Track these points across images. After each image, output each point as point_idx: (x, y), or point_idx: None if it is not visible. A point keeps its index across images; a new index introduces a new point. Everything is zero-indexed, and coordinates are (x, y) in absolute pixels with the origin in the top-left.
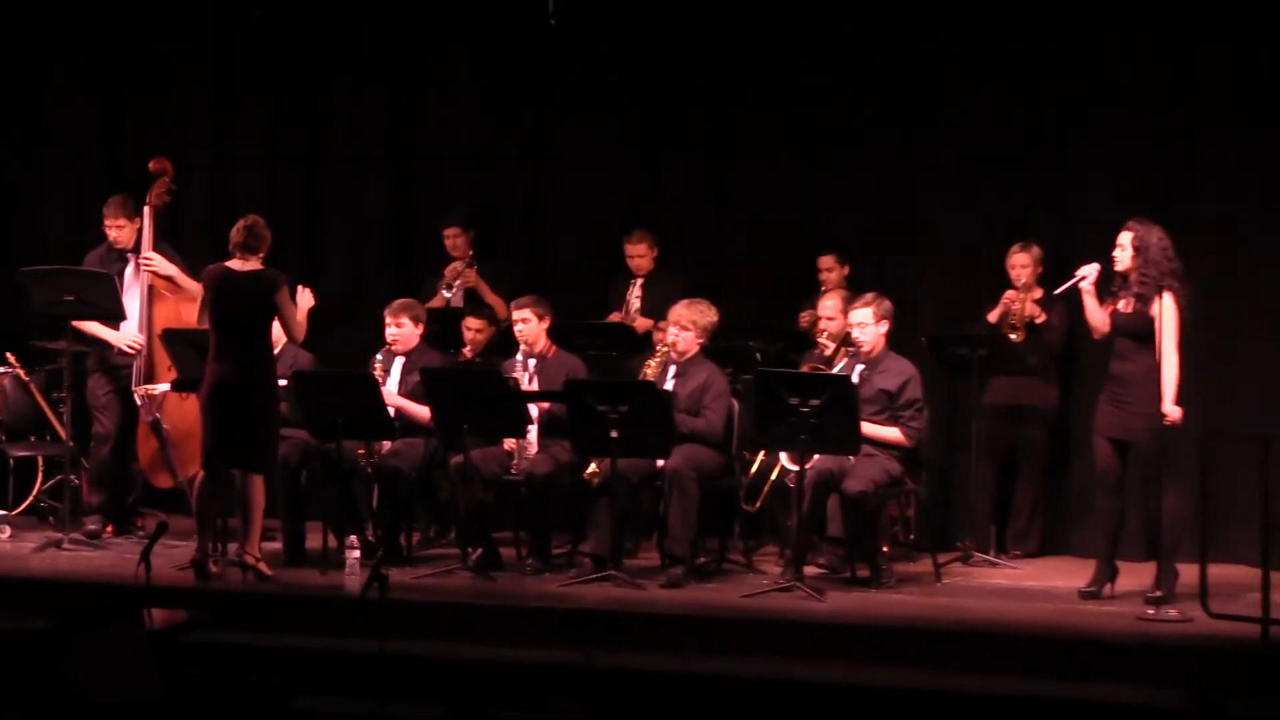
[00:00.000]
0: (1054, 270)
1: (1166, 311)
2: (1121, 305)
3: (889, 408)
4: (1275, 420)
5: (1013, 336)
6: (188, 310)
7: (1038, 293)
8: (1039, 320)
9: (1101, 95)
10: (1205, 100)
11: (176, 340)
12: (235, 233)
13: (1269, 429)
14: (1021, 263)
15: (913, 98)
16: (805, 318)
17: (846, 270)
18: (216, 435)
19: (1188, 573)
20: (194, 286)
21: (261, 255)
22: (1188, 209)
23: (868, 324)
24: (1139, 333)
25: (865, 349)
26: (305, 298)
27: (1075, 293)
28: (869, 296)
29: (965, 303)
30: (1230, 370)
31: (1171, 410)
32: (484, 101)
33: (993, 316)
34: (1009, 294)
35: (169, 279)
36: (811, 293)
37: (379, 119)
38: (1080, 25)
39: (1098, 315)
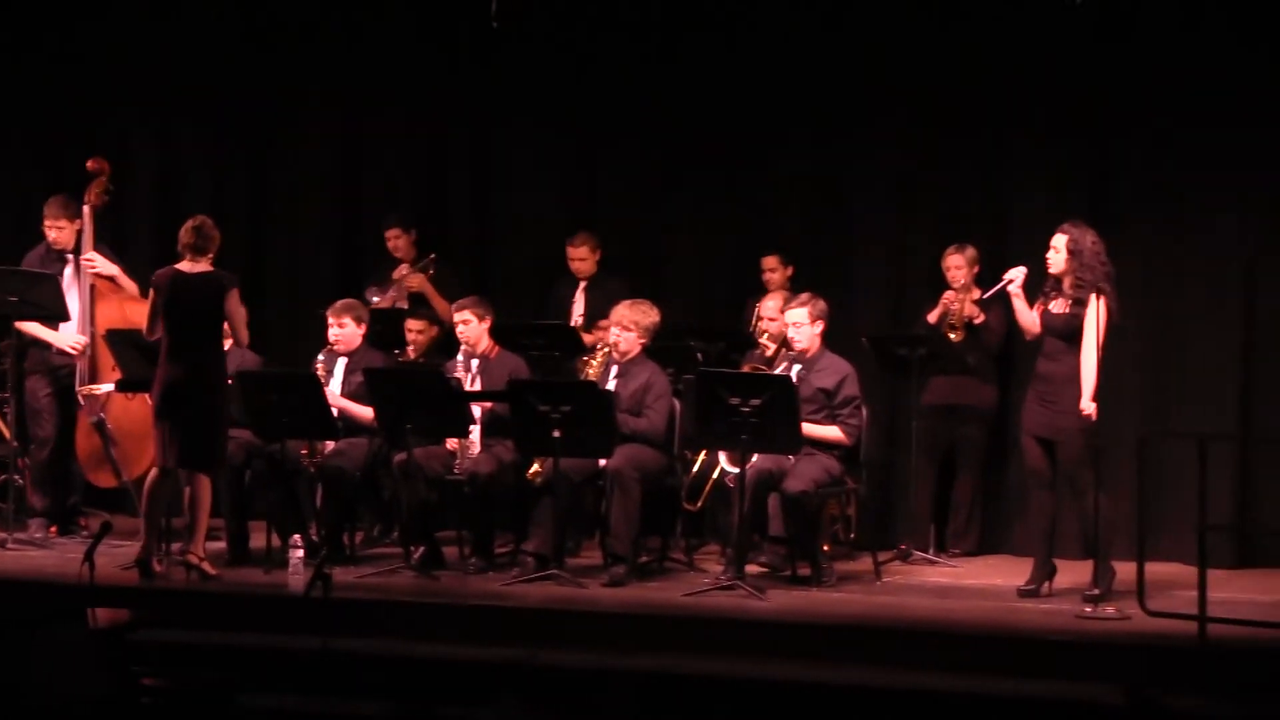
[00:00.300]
0: (990, 272)
1: (1094, 313)
2: (1053, 306)
3: (827, 407)
4: (1212, 420)
5: (952, 336)
6: (131, 310)
7: (976, 293)
8: (978, 321)
9: (1035, 99)
10: (1135, 105)
11: (120, 340)
12: (184, 234)
13: (1206, 428)
14: (956, 264)
15: (851, 100)
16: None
17: (790, 271)
18: (168, 435)
19: (1125, 571)
20: (134, 286)
21: (211, 256)
22: (1119, 212)
23: (803, 324)
24: (1070, 333)
25: (801, 349)
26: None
27: (1006, 294)
28: (804, 297)
29: (904, 303)
30: (1168, 371)
31: (1088, 406)
32: (429, 103)
33: (932, 317)
34: (948, 295)
35: (110, 279)
36: (756, 293)
37: (324, 120)
38: (1013, 30)
39: (1027, 317)
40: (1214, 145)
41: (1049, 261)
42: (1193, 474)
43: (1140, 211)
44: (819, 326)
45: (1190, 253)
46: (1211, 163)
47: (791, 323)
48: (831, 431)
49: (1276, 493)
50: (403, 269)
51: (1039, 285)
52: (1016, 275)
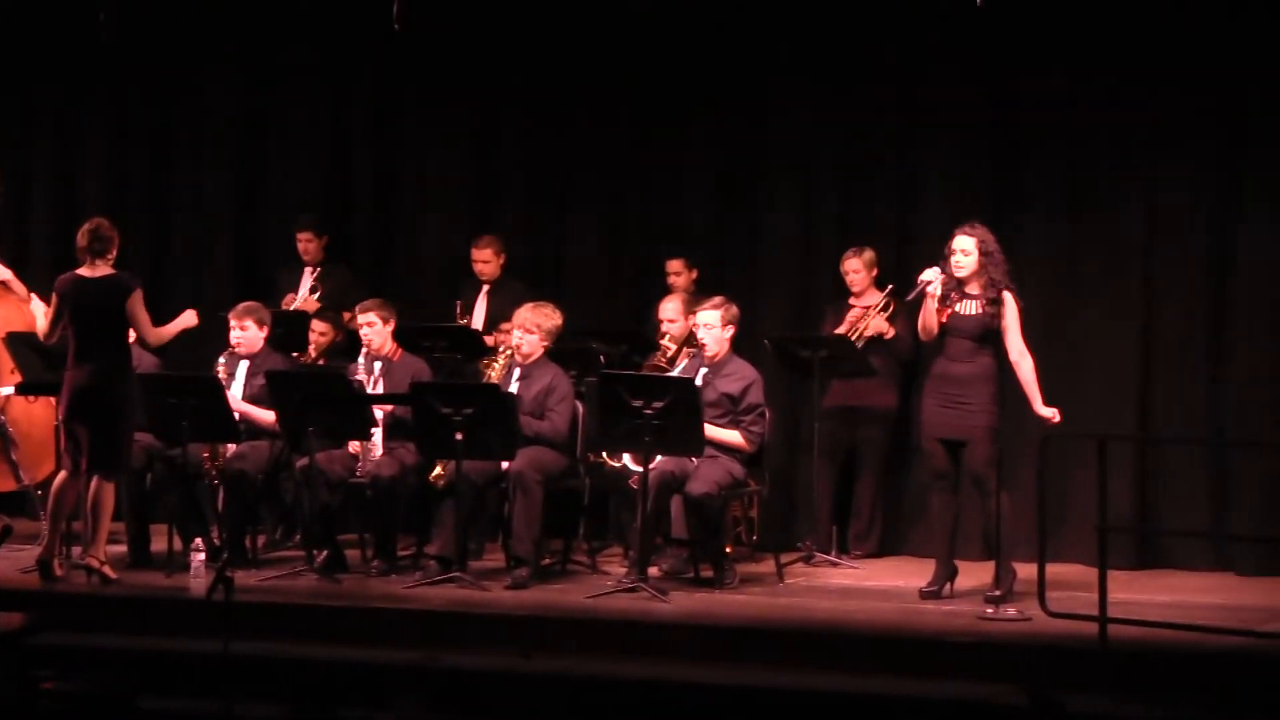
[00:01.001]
0: (891, 276)
1: (1010, 311)
2: (960, 308)
3: (731, 412)
4: (1112, 420)
5: (857, 344)
6: (27, 313)
7: (875, 294)
8: (888, 336)
9: (937, 100)
10: (1036, 107)
11: (19, 343)
12: (81, 237)
13: (1105, 429)
14: (854, 268)
15: (755, 102)
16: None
17: (695, 274)
18: (75, 439)
19: (1026, 572)
20: (24, 289)
21: (111, 258)
22: (1019, 211)
23: (714, 326)
24: (983, 335)
25: (710, 352)
26: (189, 317)
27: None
28: (717, 300)
29: (808, 305)
30: (1067, 371)
31: (1046, 411)
32: (331, 105)
33: (838, 332)
34: (854, 313)
35: (3, 283)
36: (659, 296)
37: (226, 122)
38: (916, 28)
39: (933, 319)
40: (1114, 143)
41: (957, 265)
42: (1093, 474)
43: (1039, 210)
44: (729, 331)
45: (1090, 251)
46: (1111, 160)
47: (702, 324)
48: (733, 436)
49: (1176, 493)
50: (296, 299)
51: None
52: (933, 276)
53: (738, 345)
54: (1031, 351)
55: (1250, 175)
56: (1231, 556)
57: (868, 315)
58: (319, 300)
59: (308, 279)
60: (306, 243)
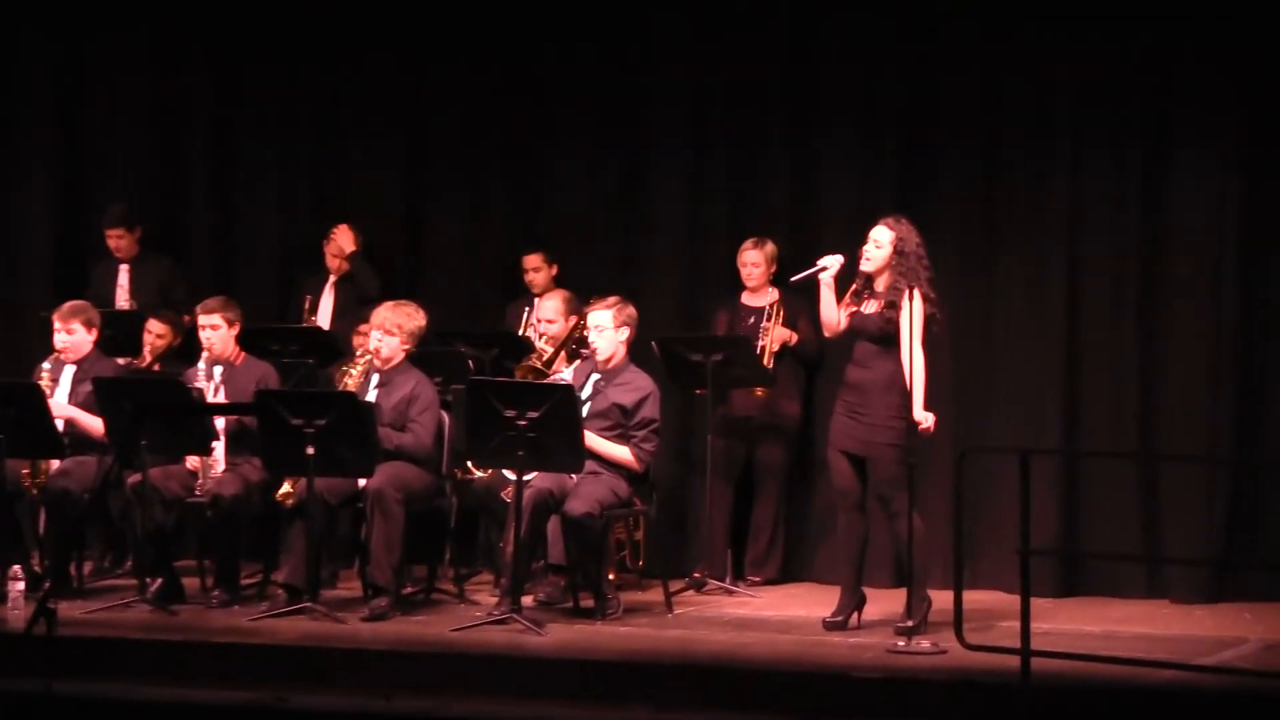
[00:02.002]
0: (791, 270)
1: (916, 314)
2: (864, 307)
3: (621, 425)
4: (1035, 433)
5: (768, 362)
6: None
7: (773, 291)
8: (792, 343)
9: (841, 89)
10: (949, 93)
11: None
12: None
13: (1028, 442)
14: (753, 260)
15: (638, 81)
16: (518, 312)
17: (555, 270)
18: None
19: (941, 600)
20: None
21: None
22: (932, 207)
23: (605, 328)
24: (884, 337)
25: (601, 357)
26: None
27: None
28: (612, 299)
29: (697, 303)
30: (986, 381)
31: (923, 416)
32: (160, 93)
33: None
34: (749, 325)
35: None
36: (518, 296)
37: (44, 116)
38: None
39: (833, 312)
40: (1037, 115)
41: (865, 257)
42: (1014, 492)
43: (954, 208)
44: (624, 333)
45: (1009, 252)
46: (1032, 131)
47: (593, 325)
48: (621, 452)
49: (1105, 513)
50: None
51: (847, 282)
52: (832, 263)
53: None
54: (943, 355)
55: (1180, 153)
56: (1166, 582)
57: (769, 331)
58: (134, 297)
59: (124, 275)
60: (118, 239)
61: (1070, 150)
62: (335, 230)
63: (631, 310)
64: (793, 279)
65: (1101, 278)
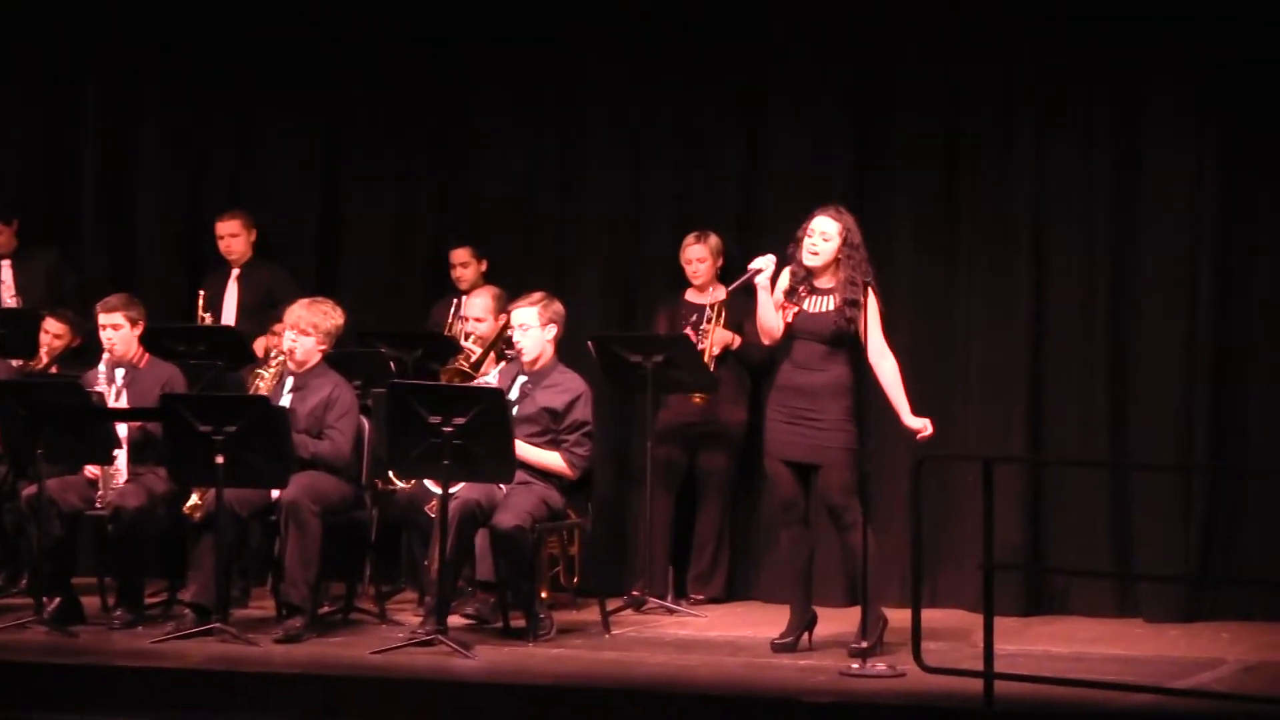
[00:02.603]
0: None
1: (873, 310)
2: (809, 306)
3: (551, 430)
4: (998, 439)
5: (710, 365)
6: None
7: (719, 288)
8: (735, 346)
9: (789, 73)
10: (905, 76)
11: None
12: None
13: (990, 449)
14: (698, 256)
15: (573, 65)
16: (442, 311)
17: (484, 266)
18: None
19: (898, 619)
20: None
21: None
22: (887, 198)
23: (531, 326)
24: (839, 337)
25: (527, 358)
26: None
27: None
28: (536, 295)
29: (636, 300)
30: (945, 384)
31: (916, 423)
32: (49, 73)
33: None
34: (691, 327)
35: None
36: (444, 292)
37: None
38: None
39: (773, 318)
40: (997, 127)
41: (812, 250)
42: (976, 503)
43: (912, 199)
44: (551, 331)
45: (971, 247)
46: (993, 146)
47: (518, 324)
48: (553, 459)
49: (1073, 525)
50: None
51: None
52: (765, 265)
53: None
54: (896, 354)
55: (1153, 142)
56: (1139, 600)
57: (709, 333)
58: (20, 293)
59: (5, 271)
60: None
61: (1035, 140)
62: (225, 216)
63: (558, 306)
64: (728, 288)
65: (1069, 275)
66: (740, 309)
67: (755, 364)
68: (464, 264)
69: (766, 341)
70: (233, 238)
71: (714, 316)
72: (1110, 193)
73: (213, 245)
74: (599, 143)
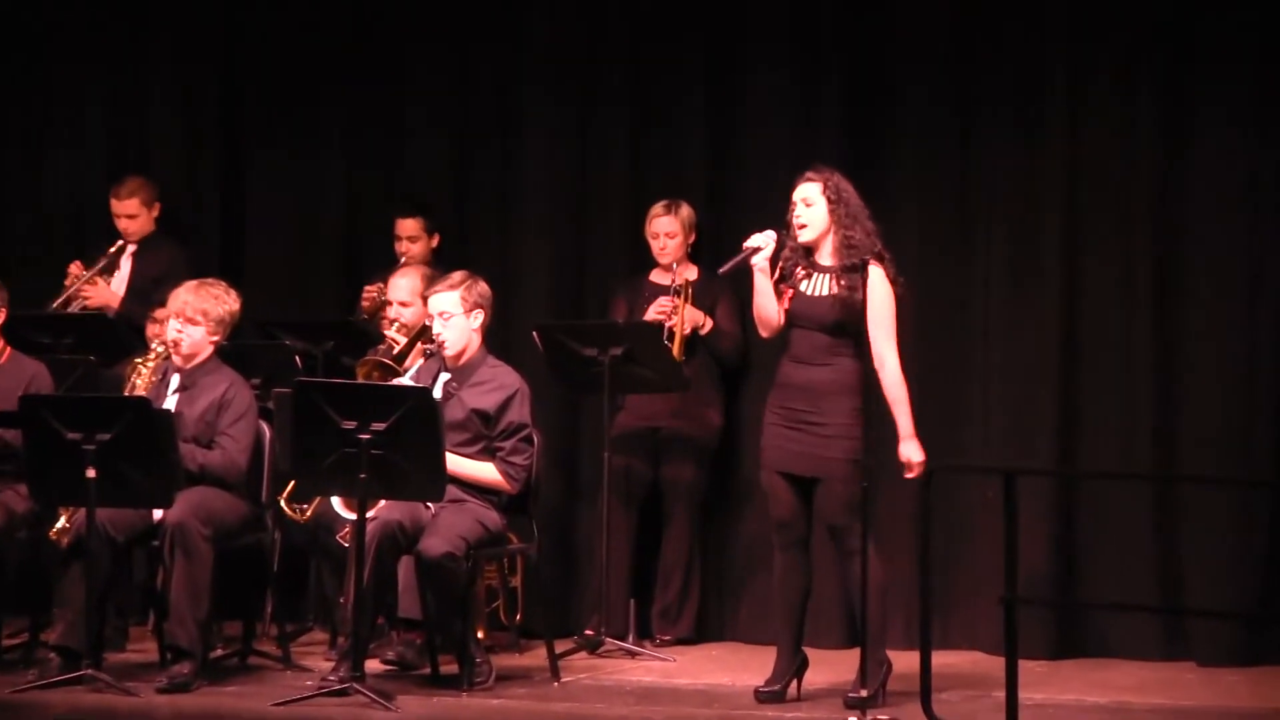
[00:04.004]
0: (712, 243)
1: (877, 290)
2: (806, 288)
3: (484, 436)
4: (1020, 450)
5: (674, 354)
6: None
7: (691, 268)
8: (705, 330)
9: (769, 12)
10: (913, 27)
11: None
12: None
13: (1013, 460)
14: (667, 229)
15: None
16: (370, 293)
17: (435, 241)
18: None
19: (905, 663)
20: None
21: None
22: (888, 172)
23: (453, 314)
24: (840, 324)
25: (450, 351)
26: None
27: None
28: (457, 276)
29: (588, 284)
30: (962, 384)
31: (911, 451)
32: None
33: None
34: (660, 303)
35: None
36: (386, 270)
37: None
38: None
39: (772, 305)
40: (1020, 78)
41: (799, 222)
42: (997, 524)
43: (917, 167)
44: (478, 319)
45: (989, 224)
46: (1016, 101)
47: (437, 312)
48: (485, 471)
49: (1114, 551)
50: None
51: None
52: (764, 242)
53: (494, 343)
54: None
55: (1205, 95)
56: (1190, 640)
57: (678, 307)
58: None
59: None
60: None
61: (1066, 93)
62: (121, 188)
63: (484, 288)
64: (720, 270)
65: (1107, 256)
66: (714, 291)
67: (724, 355)
68: (413, 238)
69: (765, 334)
70: (130, 219)
71: (681, 293)
72: (1155, 157)
73: (97, 219)
74: (541, 94)
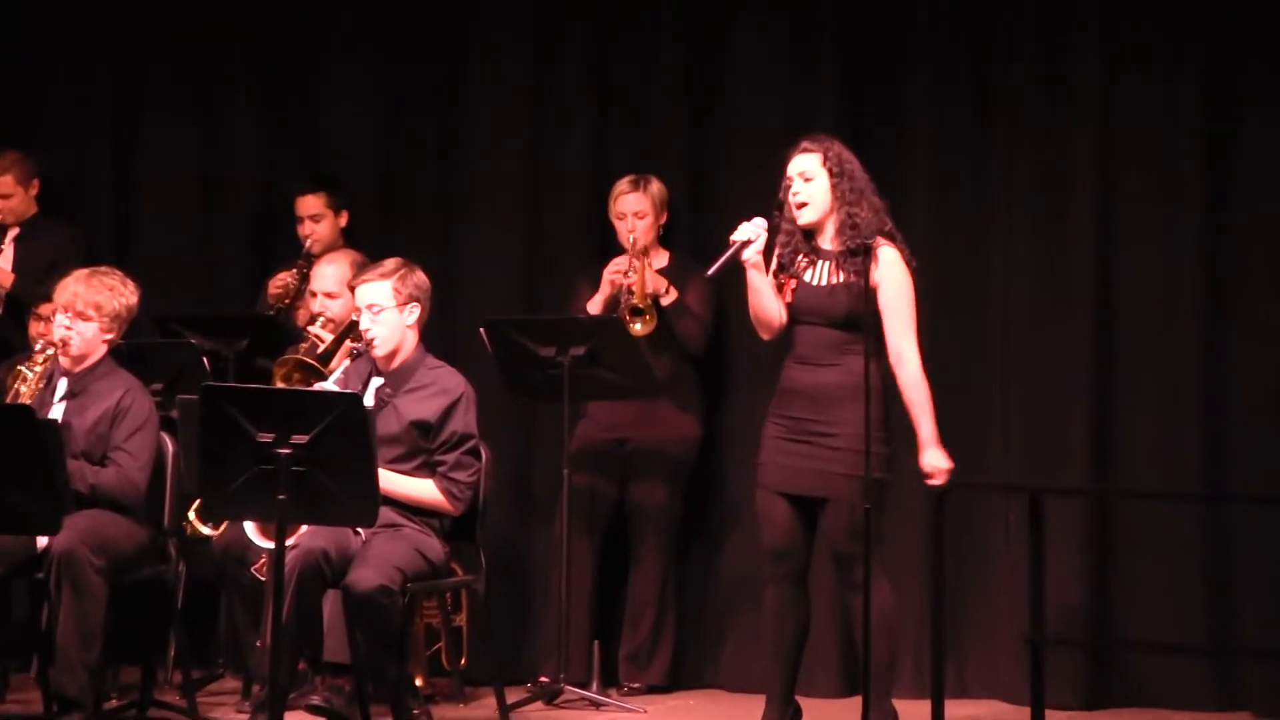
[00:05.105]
0: (688, 224)
1: (890, 274)
2: (809, 277)
3: (422, 450)
4: (1048, 467)
5: (637, 328)
6: None
7: (661, 254)
8: (666, 299)
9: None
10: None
11: None
12: None
13: (1039, 478)
14: (635, 208)
15: None
16: (279, 283)
17: (344, 220)
18: None
19: (914, 712)
20: None
21: None
22: (889, 146)
23: (384, 307)
24: (848, 316)
25: (381, 351)
26: None
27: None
28: (389, 264)
29: (542, 274)
30: (981, 393)
31: (935, 459)
32: None
33: (594, 306)
34: (615, 264)
35: None
36: (286, 257)
37: None
38: None
39: (772, 302)
40: (1046, 39)
41: (797, 199)
42: (1020, 552)
43: (925, 142)
44: (413, 314)
45: (1010, 208)
46: (1040, 65)
47: (365, 305)
48: (425, 490)
49: (1155, 583)
50: None
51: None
52: (754, 233)
53: (434, 344)
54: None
55: (1256, 64)
56: (1243, 687)
57: (637, 267)
58: None
59: None
60: None
61: (1098, 57)
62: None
63: (421, 278)
64: (709, 273)
65: (1146, 246)
66: (687, 276)
67: (686, 335)
68: (315, 216)
69: (766, 336)
70: (3, 199)
71: (638, 259)
72: (1199, 133)
73: None
74: (488, 55)
